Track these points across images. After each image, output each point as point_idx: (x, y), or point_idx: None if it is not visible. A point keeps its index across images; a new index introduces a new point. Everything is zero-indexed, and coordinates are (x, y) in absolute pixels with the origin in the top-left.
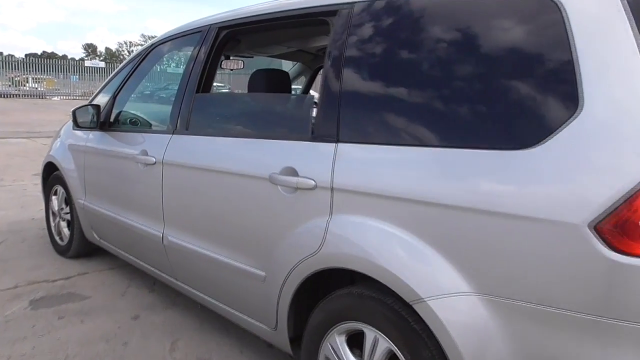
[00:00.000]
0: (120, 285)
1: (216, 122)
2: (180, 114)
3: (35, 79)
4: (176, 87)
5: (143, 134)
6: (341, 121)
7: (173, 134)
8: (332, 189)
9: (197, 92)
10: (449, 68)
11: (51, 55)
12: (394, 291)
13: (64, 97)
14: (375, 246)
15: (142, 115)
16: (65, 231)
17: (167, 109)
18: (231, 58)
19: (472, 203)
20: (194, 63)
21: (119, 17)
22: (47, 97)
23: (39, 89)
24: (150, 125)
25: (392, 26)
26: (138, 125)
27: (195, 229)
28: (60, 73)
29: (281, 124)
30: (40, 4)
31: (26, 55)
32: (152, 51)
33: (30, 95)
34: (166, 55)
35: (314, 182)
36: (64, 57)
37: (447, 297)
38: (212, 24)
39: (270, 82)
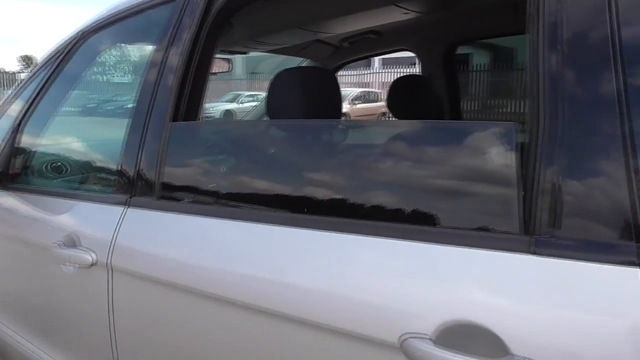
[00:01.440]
0: None
1: (225, 182)
2: (139, 165)
3: None
4: (127, 111)
5: (70, 200)
6: None
7: (129, 204)
8: None
9: (174, 119)
10: None
11: None
12: None
13: None
14: None
15: (69, 163)
16: None
17: (114, 151)
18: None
19: None
20: (164, 63)
21: (59, 24)
22: None
23: None
24: (85, 181)
25: None
26: (63, 176)
27: None
28: None
29: (419, 197)
30: None
31: None
32: (82, 45)
33: None
34: (107, 51)
35: None
36: None
37: None
38: None
39: (319, 92)
